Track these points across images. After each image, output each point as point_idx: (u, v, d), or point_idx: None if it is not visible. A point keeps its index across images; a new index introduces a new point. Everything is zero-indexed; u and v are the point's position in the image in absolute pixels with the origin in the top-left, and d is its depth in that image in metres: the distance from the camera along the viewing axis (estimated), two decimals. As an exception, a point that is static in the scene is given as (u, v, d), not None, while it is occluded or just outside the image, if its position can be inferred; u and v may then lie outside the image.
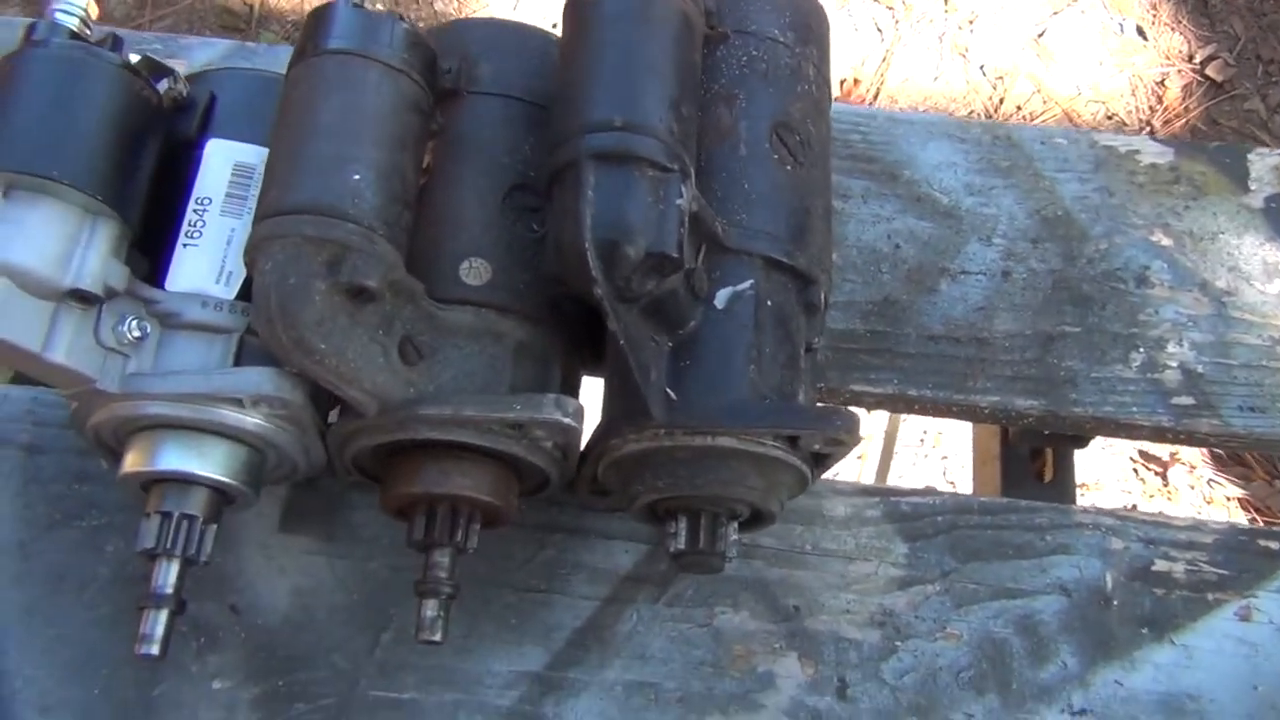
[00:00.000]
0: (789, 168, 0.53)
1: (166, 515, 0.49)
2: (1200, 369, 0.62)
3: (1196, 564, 0.58)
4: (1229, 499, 1.63)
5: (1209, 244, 0.66)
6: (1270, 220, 0.66)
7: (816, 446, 0.49)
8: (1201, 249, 0.65)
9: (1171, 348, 0.63)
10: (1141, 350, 0.63)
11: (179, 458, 0.49)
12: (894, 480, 1.39)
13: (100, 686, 0.54)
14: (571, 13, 0.52)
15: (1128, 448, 1.67)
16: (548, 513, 0.58)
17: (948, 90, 1.94)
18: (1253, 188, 0.68)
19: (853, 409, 0.63)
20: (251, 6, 1.97)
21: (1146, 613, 0.57)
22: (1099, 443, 1.69)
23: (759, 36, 0.55)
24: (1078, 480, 1.71)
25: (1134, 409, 0.61)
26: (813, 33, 0.58)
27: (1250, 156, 0.69)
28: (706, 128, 0.53)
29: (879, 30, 1.98)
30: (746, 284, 0.51)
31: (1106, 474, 1.62)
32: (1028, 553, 0.58)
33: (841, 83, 1.94)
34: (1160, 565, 0.58)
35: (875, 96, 1.94)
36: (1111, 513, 0.60)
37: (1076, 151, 0.68)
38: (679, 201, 0.47)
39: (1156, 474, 1.63)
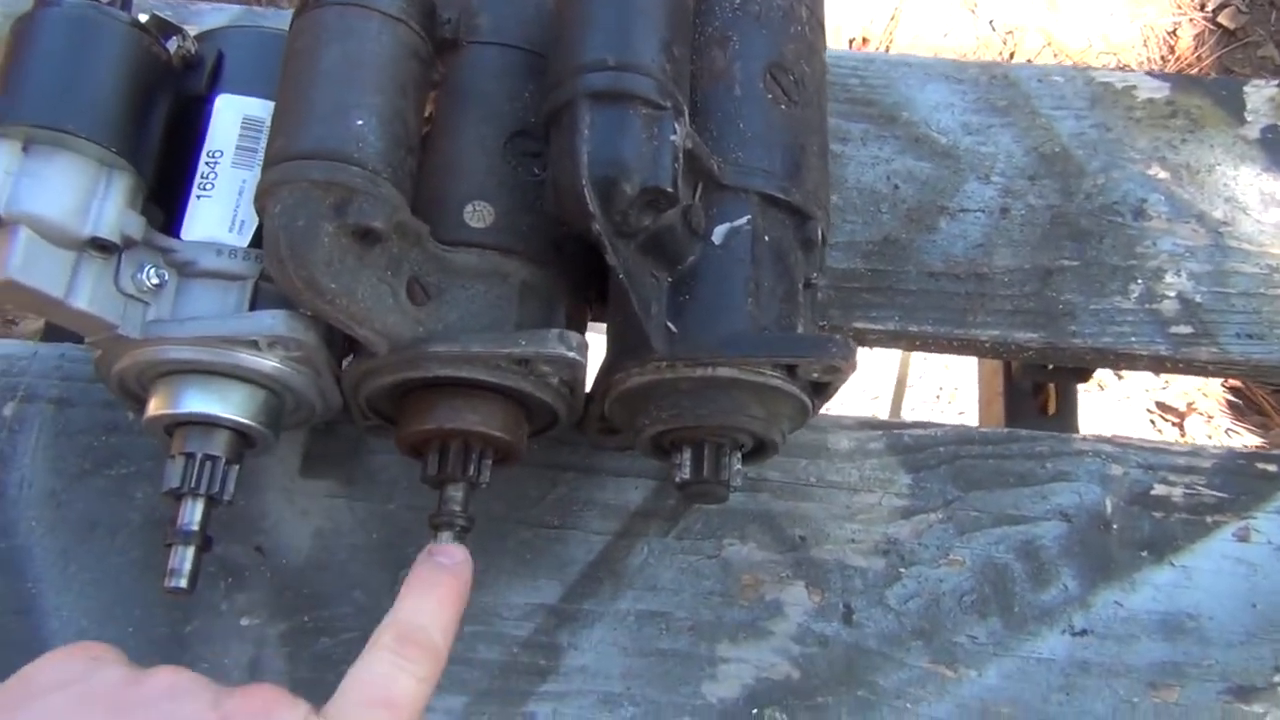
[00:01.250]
0: (783, 107, 0.54)
1: (190, 456, 0.51)
2: (1198, 298, 0.63)
3: (1195, 488, 0.59)
4: (1247, 448, 1.63)
5: (1206, 176, 0.66)
6: (1266, 151, 0.67)
7: (815, 374, 0.51)
8: (1199, 181, 0.66)
9: (1169, 278, 0.63)
10: (1140, 281, 0.63)
11: (201, 400, 0.51)
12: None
13: (134, 625, 0.56)
14: (566, -41, 0.53)
15: (1144, 399, 1.67)
16: (559, 452, 0.60)
17: (957, 46, 1.93)
18: (1249, 119, 0.68)
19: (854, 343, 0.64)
20: (262, -19, 1.98)
21: (1146, 536, 0.58)
22: (1115, 394, 1.70)
23: (752, -21, 0.56)
24: (1095, 433, 1.71)
25: (1132, 339, 0.62)
26: (806, -26, 0.59)
27: (1246, 89, 0.69)
28: (701, 70, 0.54)
29: (888, -13, 1.97)
30: (743, 219, 0.52)
31: (1123, 425, 1.62)
32: (1029, 480, 0.59)
33: (850, 41, 1.94)
34: (1159, 490, 0.59)
35: (885, 53, 1.94)
36: (1111, 440, 0.61)
37: (1073, 89, 0.69)
38: (673, 138, 0.48)
39: (1174, 424, 1.63)
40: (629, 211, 0.48)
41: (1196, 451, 0.60)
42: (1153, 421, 1.63)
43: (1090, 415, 1.60)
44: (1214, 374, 0.62)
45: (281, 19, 0.72)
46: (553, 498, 0.59)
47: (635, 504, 0.59)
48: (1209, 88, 0.69)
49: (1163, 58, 1.92)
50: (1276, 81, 0.69)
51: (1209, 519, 0.58)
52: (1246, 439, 1.63)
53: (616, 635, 0.56)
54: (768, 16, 0.56)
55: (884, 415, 1.06)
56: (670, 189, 0.48)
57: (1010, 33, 1.95)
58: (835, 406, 0.57)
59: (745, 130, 0.53)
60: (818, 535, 0.58)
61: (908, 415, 1.07)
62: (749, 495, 0.59)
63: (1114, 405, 1.63)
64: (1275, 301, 0.63)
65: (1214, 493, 0.59)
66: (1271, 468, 0.60)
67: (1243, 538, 0.58)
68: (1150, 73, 0.68)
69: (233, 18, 0.73)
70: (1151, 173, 0.66)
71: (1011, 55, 1.92)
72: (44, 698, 0.39)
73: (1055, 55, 1.92)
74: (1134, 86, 0.69)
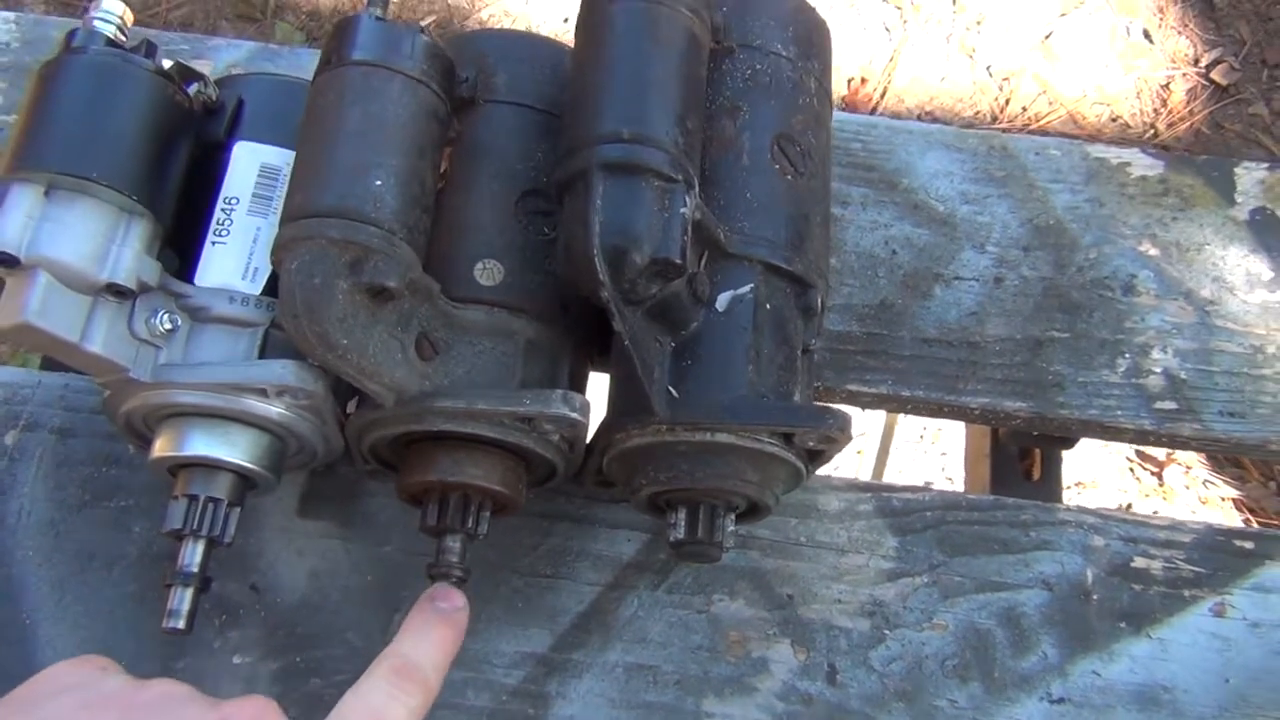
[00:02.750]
0: (789, 177, 0.56)
1: (193, 498, 0.52)
2: (1183, 375, 0.65)
3: (1174, 562, 0.61)
4: (1224, 499, 1.66)
5: (1195, 254, 0.68)
6: (1254, 232, 0.69)
7: (810, 443, 0.52)
8: (1188, 259, 0.68)
9: (1156, 354, 0.65)
10: (1127, 356, 0.65)
11: (206, 444, 0.52)
12: (892, 476, 1.42)
13: (127, 659, 0.56)
14: (584, 27, 0.54)
15: (1125, 448, 1.69)
16: (555, 502, 0.61)
17: (954, 90, 1.96)
18: (1239, 200, 0.70)
19: (848, 407, 0.66)
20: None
21: (1125, 607, 0.60)
22: (1095, 443, 1.72)
23: (763, 51, 0.58)
24: (1075, 479, 1.73)
25: (1118, 412, 0.64)
26: (815, 47, 0.60)
27: (1237, 170, 0.71)
28: (711, 138, 0.55)
29: (887, 30, 2.00)
30: (746, 288, 0.53)
31: (1103, 473, 1.64)
32: (1012, 548, 0.61)
33: (849, 81, 1.96)
34: (1139, 562, 0.61)
35: (883, 95, 1.96)
36: (1094, 511, 0.62)
37: (1069, 162, 0.71)
38: (683, 210, 0.49)
39: (1152, 474, 1.66)
40: (637, 280, 0.49)
41: (1176, 526, 0.62)
42: (1132, 469, 1.65)
43: (1071, 462, 1.62)
44: (1196, 449, 0.64)
45: (295, 59, 0.73)
46: (546, 547, 0.60)
47: (627, 556, 0.60)
48: (1201, 168, 0.71)
49: (1155, 110, 1.95)
50: (1267, 164, 0.71)
51: (1187, 593, 0.60)
52: (1224, 490, 1.65)
53: (604, 686, 0.57)
54: (777, 88, 0.57)
55: (869, 469, 1.07)
56: (679, 260, 0.49)
57: (1006, 79, 1.98)
58: (826, 468, 0.58)
59: (752, 200, 0.55)
60: (805, 594, 0.59)
61: (893, 459, 1.09)
62: (739, 552, 0.60)
63: (1094, 453, 1.65)
64: (1258, 381, 0.64)
65: (1192, 567, 0.60)
66: (1249, 545, 0.61)
67: (1219, 613, 0.59)
68: (1145, 150, 0.70)
69: (250, 53, 0.74)
70: (1143, 249, 0.68)
71: (1008, 101, 1.95)
72: (54, 700, 0.42)
73: (1050, 103, 1.95)
74: (1128, 163, 0.71)
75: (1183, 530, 0.62)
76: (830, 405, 0.53)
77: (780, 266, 0.54)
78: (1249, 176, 0.71)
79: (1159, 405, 0.64)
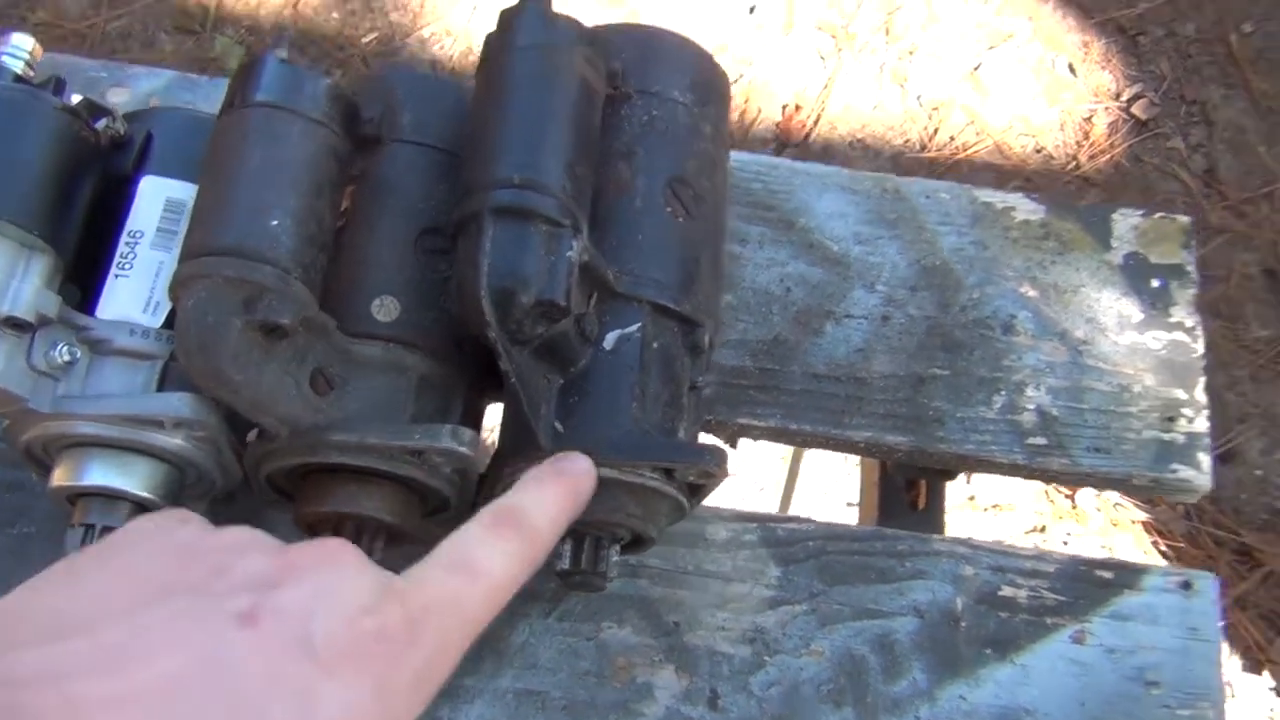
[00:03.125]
0: (681, 220, 0.59)
1: (90, 527, 0.54)
2: (1055, 411, 0.68)
3: (1039, 590, 0.64)
4: (1134, 522, 1.72)
5: (1071, 296, 0.72)
6: (1127, 276, 0.73)
7: (690, 478, 0.55)
8: (1064, 301, 0.72)
9: (1030, 391, 0.69)
10: (1003, 393, 0.69)
11: (104, 474, 0.54)
12: (798, 509, 1.45)
13: (24, 681, 0.58)
14: (482, 71, 0.57)
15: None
16: (451, 531, 0.63)
17: (885, 118, 2.01)
18: (1114, 245, 0.74)
19: (743, 439, 0.69)
20: (207, 9, 1.99)
21: (991, 634, 0.63)
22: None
23: (660, 97, 0.60)
24: (992, 502, 1.78)
25: (993, 447, 0.67)
26: (712, 93, 0.63)
27: (1114, 216, 0.75)
28: (606, 181, 0.58)
29: (821, 58, 2.04)
30: (634, 327, 0.56)
31: (1019, 497, 1.69)
32: (889, 577, 0.64)
33: (784, 108, 2.01)
34: (1006, 591, 0.64)
35: (816, 122, 2.01)
36: (966, 541, 0.65)
37: (957, 206, 0.74)
38: (569, 254, 0.52)
39: (1066, 497, 1.71)
40: (524, 321, 0.52)
41: (1042, 557, 0.65)
42: (1047, 493, 1.70)
43: (988, 486, 1.67)
44: (1065, 483, 0.68)
45: (214, 89, 0.75)
46: (443, 573, 0.62)
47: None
48: (1080, 213, 0.75)
49: (1078, 143, 2.02)
50: (1142, 211, 0.75)
51: (1049, 620, 0.63)
52: (1134, 513, 1.71)
53: (495, 712, 0.59)
54: (673, 132, 0.60)
55: (776, 502, 1.10)
56: (563, 303, 0.51)
57: (936, 108, 2.03)
58: (717, 499, 0.61)
59: (643, 241, 0.57)
60: (691, 622, 0.62)
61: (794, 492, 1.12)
62: (629, 581, 0.62)
63: (1001, 481, 1.70)
64: (1123, 419, 0.68)
65: (1055, 596, 0.64)
66: (1108, 575, 0.65)
67: (1078, 640, 0.63)
68: (1028, 195, 0.74)
69: (168, 81, 0.76)
70: (1023, 290, 0.72)
71: (936, 130, 2.00)
72: (130, 548, 0.41)
73: (978, 133, 2.00)
74: (1013, 208, 0.74)
75: (1048, 560, 0.65)
76: (708, 443, 0.56)
77: (668, 306, 0.57)
78: (1124, 222, 0.75)
79: (1031, 440, 0.67)
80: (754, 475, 1.25)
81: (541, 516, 0.45)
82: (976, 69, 2.05)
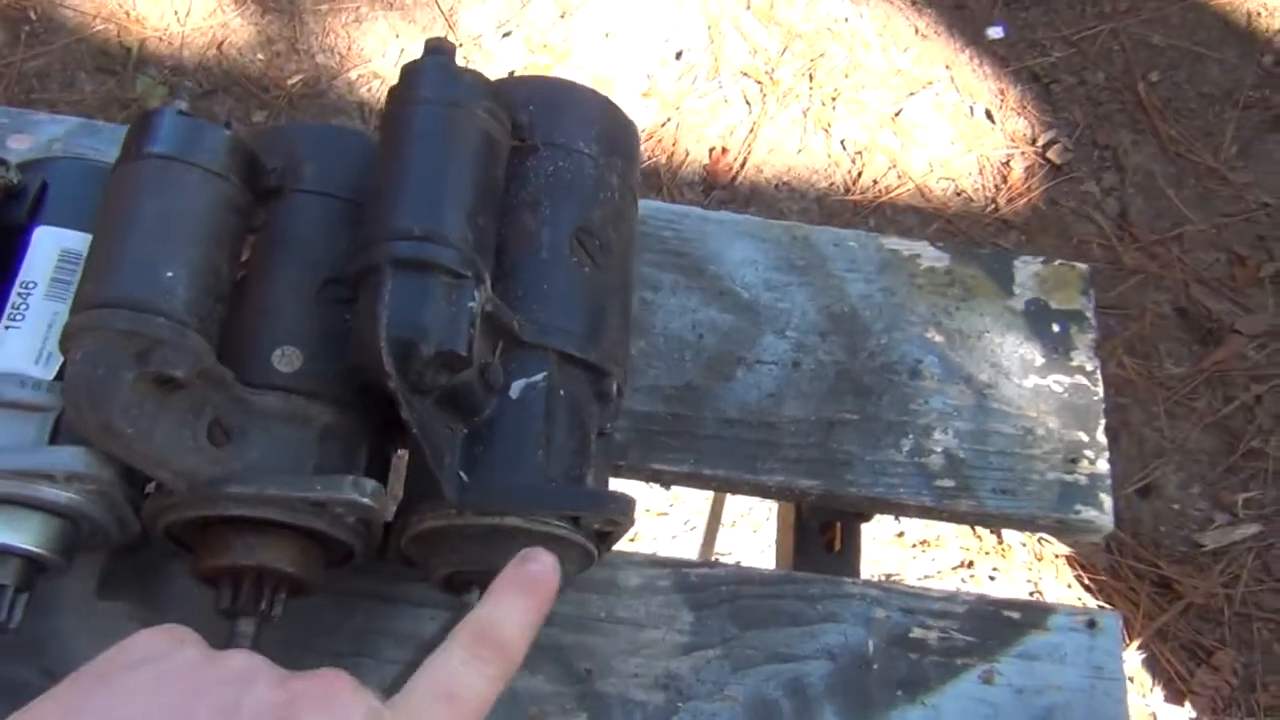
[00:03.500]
0: (587, 270, 0.59)
1: (-22, 584, 0.52)
2: (961, 454, 0.70)
3: (948, 631, 0.65)
4: (1057, 556, 1.75)
5: (975, 341, 0.74)
6: (1029, 322, 0.75)
7: (597, 525, 0.55)
8: (969, 346, 0.73)
9: (938, 435, 0.70)
10: (911, 437, 0.70)
11: (-8, 530, 0.52)
12: (723, 548, 1.46)
13: (-95, 750, 0.56)
14: (385, 125, 0.57)
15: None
16: (359, 580, 0.62)
17: (810, 162, 2.05)
18: (1016, 292, 0.76)
19: (655, 485, 0.69)
20: (129, 49, 1.97)
21: (902, 675, 0.63)
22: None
23: (566, 149, 0.61)
24: (920, 539, 1.80)
25: (901, 490, 0.68)
26: (619, 144, 0.64)
27: (1015, 263, 0.77)
28: (511, 233, 0.58)
29: (747, 103, 2.08)
30: (540, 375, 0.56)
31: (946, 533, 1.71)
32: (800, 620, 0.64)
33: (711, 150, 2.03)
34: (917, 632, 0.65)
35: (743, 164, 2.04)
36: (878, 584, 0.66)
37: (865, 254, 0.76)
38: (471, 305, 0.52)
39: (992, 533, 1.74)
40: (425, 371, 0.51)
41: (952, 598, 0.66)
42: (973, 529, 1.73)
43: (914, 524, 1.68)
44: (972, 523, 0.69)
45: (117, 136, 0.74)
46: (349, 626, 0.61)
47: (429, 633, 0.61)
48: (983, 260, 0.77)
49: (996, 186, 2.07)
50: (1042, 259, 0.78)
51: (959, 661, 0.64)
52: (1058, 548, 1.74)
53: (401, 765, 0.58)
54: (579, 184, 0.60)
55: (697, 546, 1.10)
56: (464, 353, 0.51)
57: (860, 153, 2.08)
58: (634, 543, 0.61)
59: (549, 291, 0.58)
60: (603, 669, 0.62)
61: (724, 541, 1.12)
62: (542, 629, 0.62)
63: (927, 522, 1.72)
64: (1027, 460, 0.70)
65: (965, 637, 0.65)
66: (1016, 615, 0.66)
67: (987, 680, 0.64)
68: (933, 243, 0.76)
69: (71, 129, 0.74)
70: (929, 336, 0.73)
71: (859, 174, 2.04)
72: (130, 672, 0.41)
73: (899, 176, 2.05)
74: (918, 255, 0.76)
75: (957, 601, 0.66)
76: (615, 491, 0.56)
77: (574, 355, 0.57)
78: (1025, 269, 0.77)
79: (939, 483, 0.68)
80: (682, 513, 1.25)
81: (517, 632, 0.46)
82: (897, 114, 2.10)
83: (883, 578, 1.60)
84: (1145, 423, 1.89)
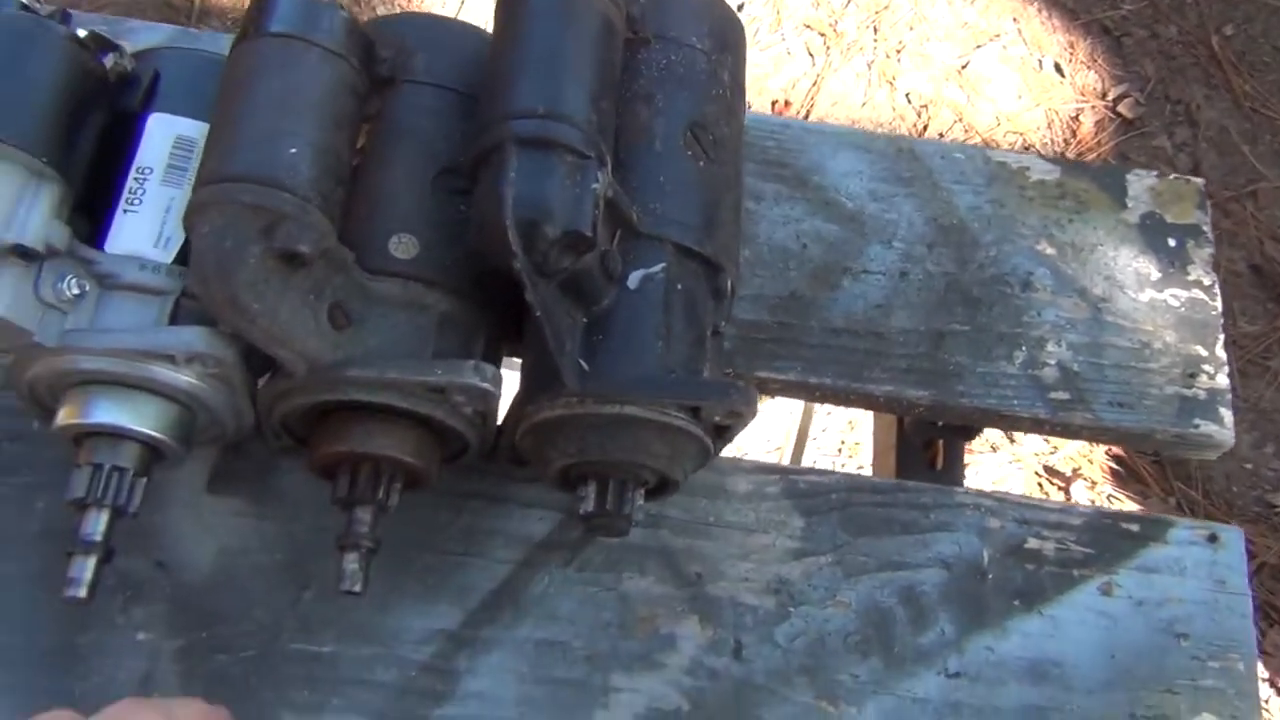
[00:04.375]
0: (701, 164, 0.58)
1: (98, 467, 0.52)
2: (1076, 367, 0.68)
3: (1065, 543, 0.63)
4: (1115, 509, 1.71)
5: (1088, 255, 0.71)
6: (1144, 235, 0.72)
7: (717, 418, 0.53)
8: (1082, 259, 0.71)
9: (1051, 347, 0.68)
10: (1024, 349, 0.68)
11: (111, 412, 0.52)
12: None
13: (27, 634, 0.56)
14: (501, 9, 0.55)
15: (1034, 463, 1.74)
16: (469, 481, 0.61)
17: (874, 115, 2.01)
18: (1130, 205, 0.73)
19: (760, 392, 0.67)
20: (193, 0, 1.97)
21: (1018, 586, 0.62)
22: (1005, 456, 1.77)
23: (678, 43, 0.59)
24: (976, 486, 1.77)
25: (1015, 402, 0.66)
26: (729, 41, 0.62)
27: (1129, 177, 0.75)
28: (625, 125, 0.57)
29: (810, 55, 2.05)
30: (658, 267, 0.55)
31: (1013, 487, 1.69)
32: (913, 529, 0.63)
33: (774, 104, 2.00)
34: (1032, 543, 0.63)
35: (805, 118, 2.01)
36: (991, 495, 0.64)
37: (973, 166, 0.74)
38: (594, 186, 0.51)
39: (1059, 488, 1.71)
40: (549, 252, 0.50)
41: (1068, 510, 0.64)
42: (1040, 485, 1.70)
43: (982, 477, 1.66)
44: (1087, 438, 0.67)
45: (216, 41, 0.73)
46: (459, 525, 0.61)
47: (539, 535, 0.61)
48: (1095, 174, 0.74)
49: (1065, 141, 2.03)
50: (1156, 172, 0.75)
51: (1076, 573, 0.62)
52: (1126, 504, 1.71)
53: (514, 662, 0.58)
54: (691, 78, 0.59)
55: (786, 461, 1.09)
56: (589, 234, 0.50)
57: (925, 106, 2.04)
58: (735, 450, 0.59)
59: (664, 184, 0.56)
60: (713, 573, 0.61)
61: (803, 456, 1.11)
62: (649, 531, 0.61)
63: (1004, 468, 1.70)
64: (1144, 374, 0.68)
65: (1082, 549, 0.63)
66: (1134, 527, 0.64)
67: (1105, 591, 0.62)
68: (1043, 156, 0.74)
69: (168, 37, 0.74)
70: (1040, 248, 0.71)
71: (925, 128, 2.00)
72: None
73: (965, 131, 2.01)
74: (1028, 168, 0.74)
75: (1074, 514, 0.64)
76: (736, 381, 0.54)
77: (691, 248, 0.56)
78: (1139, 183, 0.74)
79: (1053, 395, 0.67)
80: (767, 434, 1.23)
81: None
82: (964, 68, 2.06)
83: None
84: (1218, 381, 1.84)
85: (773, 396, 0.67)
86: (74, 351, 0.50)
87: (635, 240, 0.55)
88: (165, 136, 0.55)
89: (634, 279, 0.54)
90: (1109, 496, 1.71)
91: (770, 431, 1.30)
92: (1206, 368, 0.68)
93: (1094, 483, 1.72)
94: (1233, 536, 0.64)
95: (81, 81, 0.52)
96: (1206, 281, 0.71)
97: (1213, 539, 0.64)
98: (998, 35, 2.10)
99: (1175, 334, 0.69)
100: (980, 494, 0.64)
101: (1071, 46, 2.10)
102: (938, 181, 0.73)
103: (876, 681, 0.59)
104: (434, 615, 0.58)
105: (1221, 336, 0.70)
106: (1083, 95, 2.06)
